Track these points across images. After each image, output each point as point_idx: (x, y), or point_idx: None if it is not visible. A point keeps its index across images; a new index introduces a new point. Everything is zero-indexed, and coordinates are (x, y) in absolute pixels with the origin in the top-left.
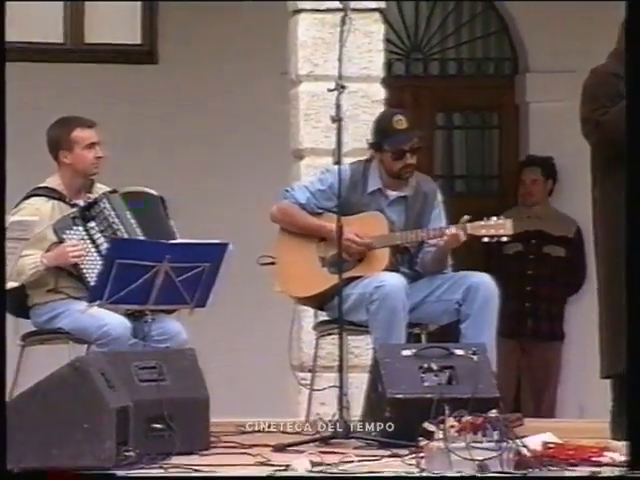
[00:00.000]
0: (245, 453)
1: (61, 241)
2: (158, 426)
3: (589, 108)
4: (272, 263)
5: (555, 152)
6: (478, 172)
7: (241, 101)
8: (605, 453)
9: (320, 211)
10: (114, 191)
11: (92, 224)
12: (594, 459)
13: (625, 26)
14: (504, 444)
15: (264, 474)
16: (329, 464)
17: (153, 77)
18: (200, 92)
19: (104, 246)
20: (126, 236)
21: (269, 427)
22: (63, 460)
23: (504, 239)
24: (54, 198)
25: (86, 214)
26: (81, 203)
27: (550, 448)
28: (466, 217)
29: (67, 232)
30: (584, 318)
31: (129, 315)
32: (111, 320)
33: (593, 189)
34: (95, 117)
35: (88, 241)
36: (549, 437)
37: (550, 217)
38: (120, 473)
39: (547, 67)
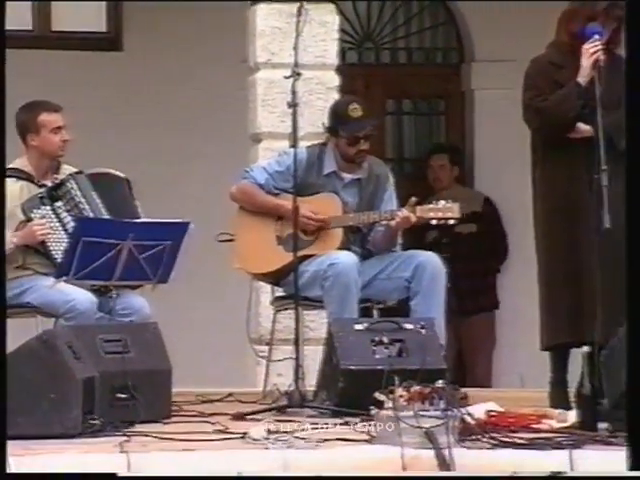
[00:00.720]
0: (205, 421)
1: (29, 220)
2: (122, 396)
3: (530, 95)
4: (231, 240)
5: (498, 137)
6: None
7: (202, 88)
8: (543, 420)
9: (277, 192)
10: (80, 172)
11: (59, 204)
12: (533, 426)
13: (625, 26)
14: (450, 413)
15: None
16: (285, 432)
17: (118, 64)
18: (163, 79)
19: (70, 225)
20: (92, 215)
21: (228, 397)
22: (30, 428)
23: (451, 222)
24: (22, 179)
25: (53, 194)
26: (49, 184)
27: (492, 416)
28: (413, 199)
29: (35, 211)
30: (518, 287)
31: (95, 290)
32: (78, 295)
33: (533, 170)
34: (61, 102)
35: (55, 220)
36: (492, 406)
37: (457, 198)
38: (120, 473)
39: (491, 57)
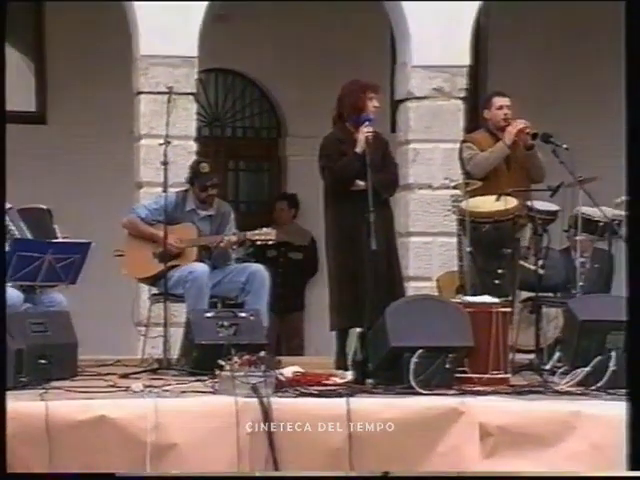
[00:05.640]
0: (100, 379)
1: None
2: (42, 361)
3: (324, 161)
4: (122, 255)
5: (305, 188)
6: (255, 199)
7: (104, 152)
8: (331, 378)
9: (154, 222)
10: (11, 208)
11: None
12: (324, 382)
13: (625, 26)
14: (268, 373)
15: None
16: (156, 386)
17: (43, 135)
18: (77, 146)
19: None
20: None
21: (117, 362)
22: None
23: (270, 242)
24: None
25: None
26: None
27: (297, 376)
28: (247, 232)
29: None
30: (320, 293)
31: (25, 289)
32: (10, 293)
33: (326, 210)
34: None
35: None
36: (296, 369)
37: (294, 232)
38: (120, 473)
39: (299, 133)
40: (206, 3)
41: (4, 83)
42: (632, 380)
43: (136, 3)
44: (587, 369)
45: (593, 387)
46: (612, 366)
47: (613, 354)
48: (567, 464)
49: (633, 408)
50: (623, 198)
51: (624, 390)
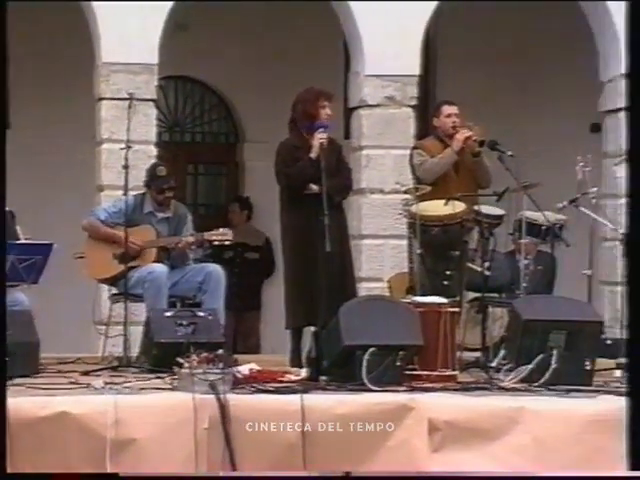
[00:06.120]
0: (62, 376)
1: None
2: (7, 359)
3: (279, 166)
4: (82, 257)
5: (261, 191)
6: (213, 202)
7: (67, 155)
8: (286, 375)
9: (113, 224)
10: None
11: None
12: (279, 379)
13: (625, 26)
14: (226, 370)
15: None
16: (116, 383)
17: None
18: (39, 150)
19: None
20: None
21: (78, 360)
22: None
23: (227, 242)
24: None
25: None
26: None
27: (253, 373)
28: (204, 233)
29: None
30: (276, 293)
31: None
32: None
33: (281, 215)
34: None
35: None
36: (253, 366)
37: (248, 233)
38: (124, 473)
39: (256, 139)
40: (166, 12)
41: (4, 83)
42: (632, 380)
43: (98, 11)
44: (530, 366)
45: (536, 384)
46: (554, 364)
47: (555, 352)
48: (511, 457)
49: (633, 408)
50: (565, 203)
51: (565, 386)
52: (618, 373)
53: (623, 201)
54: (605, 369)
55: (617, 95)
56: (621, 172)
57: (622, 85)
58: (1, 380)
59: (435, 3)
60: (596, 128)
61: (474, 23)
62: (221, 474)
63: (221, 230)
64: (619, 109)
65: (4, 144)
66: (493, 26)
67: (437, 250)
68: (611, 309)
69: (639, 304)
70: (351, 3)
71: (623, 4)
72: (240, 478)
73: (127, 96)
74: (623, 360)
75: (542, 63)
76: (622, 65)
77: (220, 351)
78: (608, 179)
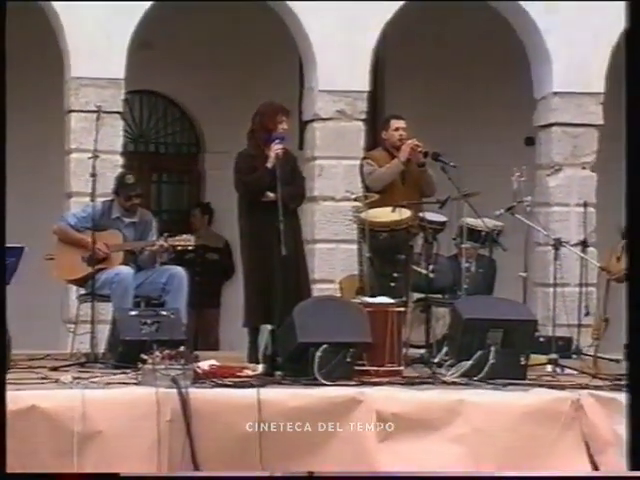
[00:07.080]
0: (32, 372)
1: None
2: None
3: (237, 174)
4: (52, 259)
5: (221, 198)
6: (176, 208)
7: (37, 164)
8: (244, 371)
9: (82, 229)
10: None
11: None
12: (237, 374)
13: (626, 27)
14: (187, 366)
15: (43, 384)
16: (83, 378)
17: None
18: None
19: None
20: None
21: (47, 356)
22: None
23: (190, 247)
24: None
25: None
26: None
27: (213, 368)
28: (166, 234)
29: None
30: (235, 293)
31: None
32: None
33: (239, 218)
34: None
35: None
36: (212, 362)
37: (209, 237)
38: (125, 473)
39: (216, 149)
40: (131, 30)
41: (4, 83)
42: (632, 379)
43: (67, 30)
44: (470, 362)
45: (475, 378)
46: (491, 359)
47: (492, 349)
48: (452, 445)
49: (633, 407)
50: (502, 210)
51: (502, 380)
52: (549, 368)
53: (554, 209)
54: (538, 364)
55: (549, 111)
56: (553, 182)
57: (554, 102)
58: (1, 380)
59: (383, 24)
60: (530, 141)
61: (419, 41)
62: (220, 474)
63: (184, 236)
64: (551, 124)
65: (4, 144)
66: (437, 43)
67: (385, 254)
68: (544, 309)
69: (639, 304)
70: (304, 23)
71: (556, 25)
72: (235, 478)
73: (95, 109)
74: (554, 356)
75: (481, 80)
76: (553, 84)
77: (182, 348)
78: (541, 189)
